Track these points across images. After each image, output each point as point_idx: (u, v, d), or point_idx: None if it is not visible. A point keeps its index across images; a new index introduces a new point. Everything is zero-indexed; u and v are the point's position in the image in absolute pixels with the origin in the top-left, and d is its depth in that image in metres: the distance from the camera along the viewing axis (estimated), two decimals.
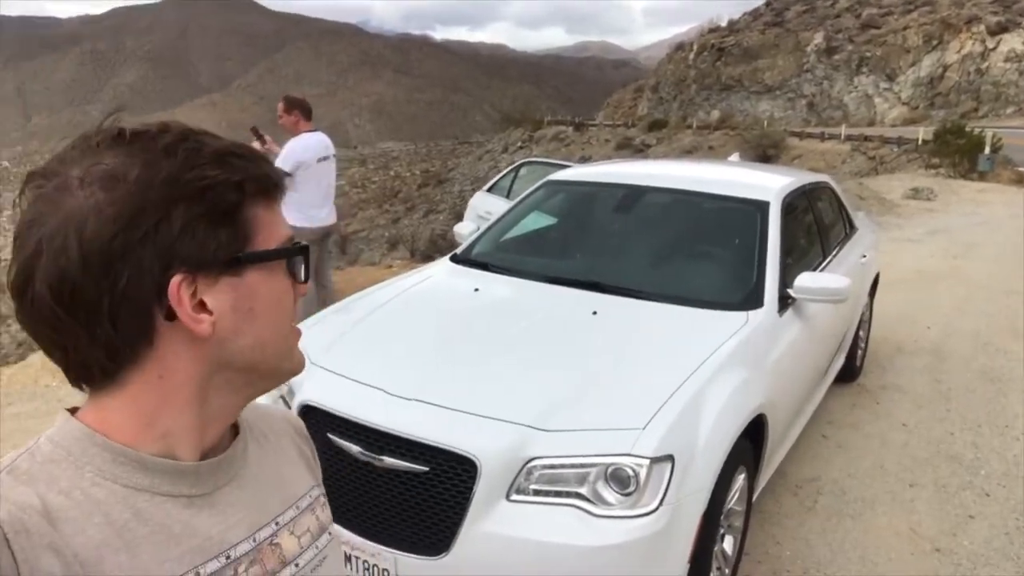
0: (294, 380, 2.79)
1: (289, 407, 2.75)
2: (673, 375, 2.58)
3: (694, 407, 2.48)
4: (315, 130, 5.38)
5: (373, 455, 2.40)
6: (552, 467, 2.31)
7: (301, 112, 5.30)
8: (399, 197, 45.41)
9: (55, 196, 0.63)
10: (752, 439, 2.84)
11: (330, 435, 2.51)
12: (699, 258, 3.72)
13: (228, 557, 0.70)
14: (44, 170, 0.65)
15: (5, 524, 0.58)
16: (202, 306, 0.66)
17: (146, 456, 0.67)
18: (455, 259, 3.79)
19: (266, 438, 0.84)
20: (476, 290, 3.32)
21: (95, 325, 0.63)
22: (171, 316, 0.65)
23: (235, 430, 0.79)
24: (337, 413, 2.51)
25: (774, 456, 3.27)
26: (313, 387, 2.65)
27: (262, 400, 0.90)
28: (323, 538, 0.83)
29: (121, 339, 0.64)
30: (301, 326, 2.94)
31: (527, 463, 2.30)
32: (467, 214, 7.65)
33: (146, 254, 0.63)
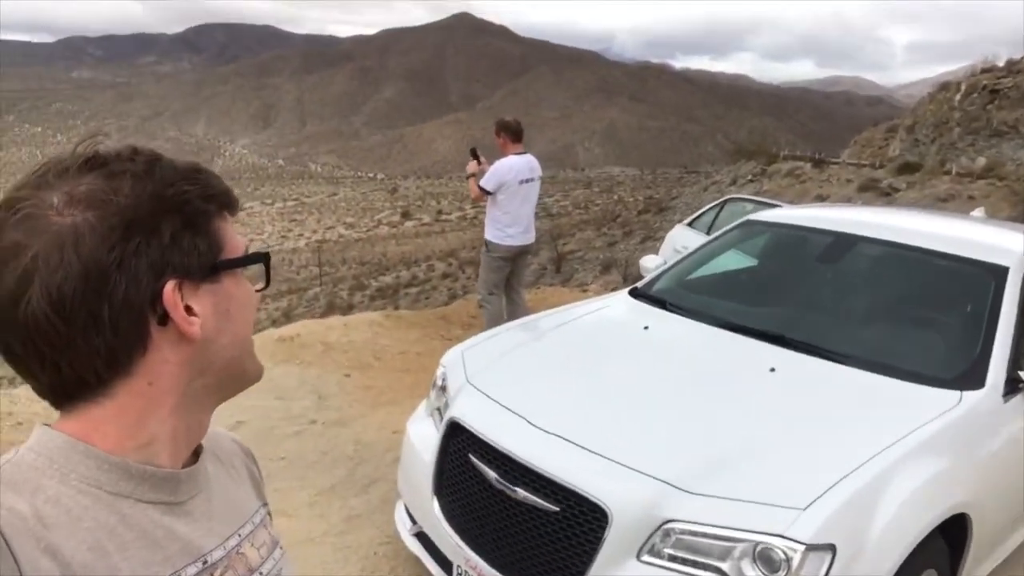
0: (450, 394, 2.83)
1: (441, 419, 2.78)
2: (853, 452, 2.26)
3: (872, 493, 2.15)
4: (523, 152, 5.51)
5: (508, 484, 2.34)
6: (692, 534, 2.11)
7: (508, 134, 5.47)
8: (618, 221, 45.51)
9: (37, 219, 0.65)
10: (951, 542, 2.41)
11: (471, 456, 2.49)
12: (910, 323, 3.25)
13: (205, 562, 0.73)
14: (16, 197, 0.67)
15: (4, 526, 0.60)
16: (189, 310, 0.71)
17: (131, 463, 0.69)
18: (634, 293, 3.65)
19: (218, 458, 0.87)
20: (646, 328, 3.15)
21: (95, 334, 0.66)
22: (163, 321, 0.69)
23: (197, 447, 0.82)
24: (479, 435, 2.49)
25: (981, 566, 2.76)
26: (462, 405, 2.66)
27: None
28: (276, 551, 0.86)
29: (121, 345, 0.68)
30: (464, 344, 2.98)
31: (664, 524, 2.12)
32: (663, 247, 7.42)
33: (141, 264, 0.67)
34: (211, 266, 0.73)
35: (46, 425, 0.70)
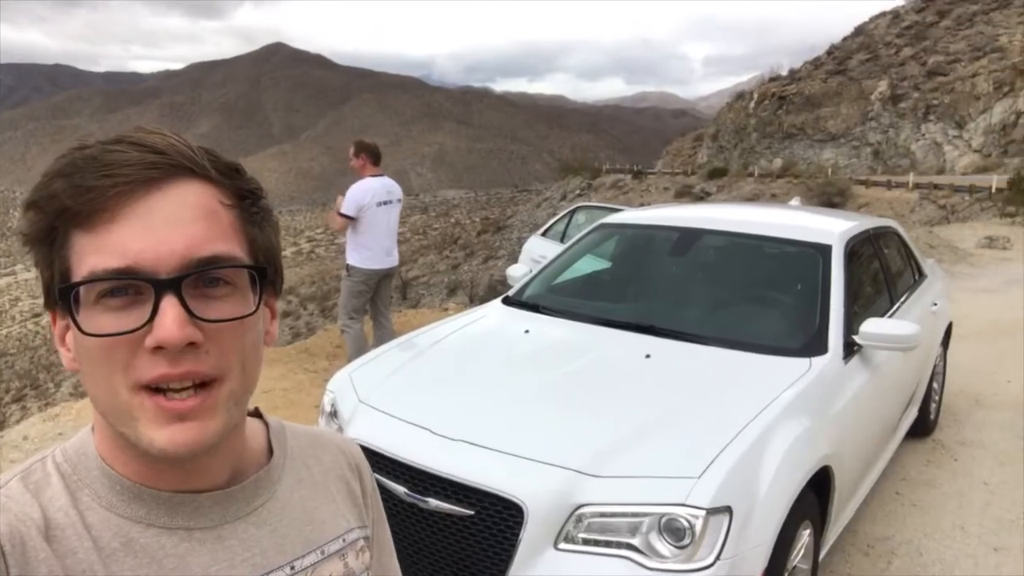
0: (343, 418, 2.77)
1: None
2: (731, 422, 2.46)
3: (754, 456, 2.35)
4: (381, 175, 5.48)
5: (419, 496, 2.34)
6: (603, 515, 2.21)
7: (368, 156, 5.45)
8: (459, 243, 46.04)
9: None
10: (818, 492, 2.68)
11: (377, 475, 2.46)
12: (759, 302, 3.59)
13: None
14: None
15: (3, 538, 0.58)
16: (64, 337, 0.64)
17: (141, 487, 0.65)
18: (507, 301, 3.75)
19: (309, 471, 0.79)
20: (527, 331, 3.26)
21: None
22: None
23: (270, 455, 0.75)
24: (383, 452, 2.47)
25: (843, 512, 3.08)
26: (360, 426, 2.62)
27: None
28: None
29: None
30: (350, 366, 2.93)
31: (576, 510, 2.21)
32: (521, 258, 7.65)
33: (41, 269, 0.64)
34: (53, 293, 0.62)
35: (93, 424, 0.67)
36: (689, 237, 3.92)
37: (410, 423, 2.54)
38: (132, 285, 0.59)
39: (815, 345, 3.09)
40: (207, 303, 0.61)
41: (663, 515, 2.16)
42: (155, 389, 0.59)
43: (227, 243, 0.63)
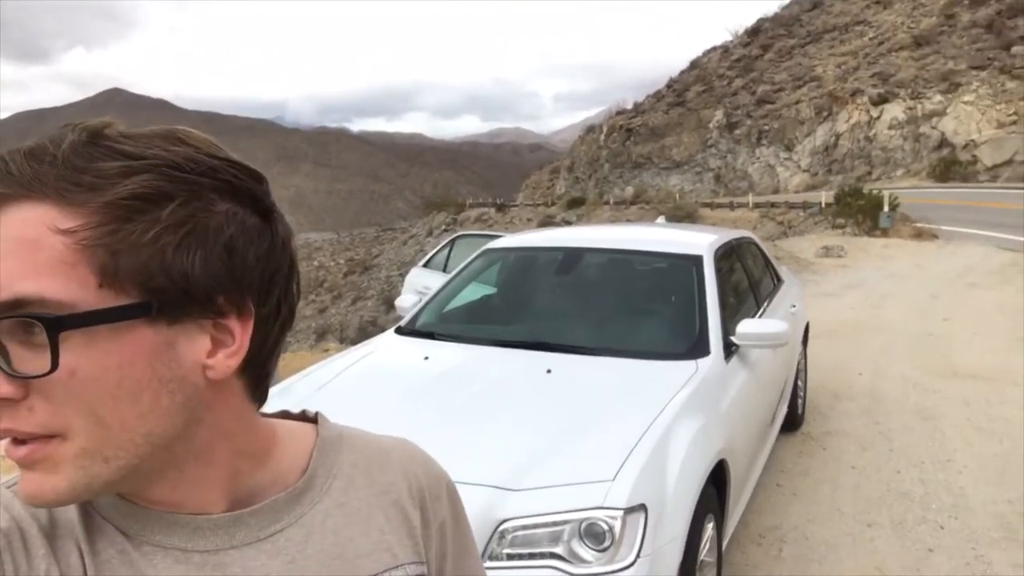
0: None
1: None
2: (635, 424, 2.57)
3: (659, 454, 2.46)
4: None
5: None
6: (525, 527, 2.23)
7: None
8: (324, 286, 44.92)
9: None
10: (716, 485, 2.82)
11: None
12: (644, 312, 3.76)
13: None
14: None
15: (1, 534, 0.55)
16: None
17: (131, 504, 0.60)
18: (400, 331, 3.73)
19: (357, 492, 0.69)
20: (426, 358, 3.25)
21: None
22: None
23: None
24: None
25: (737, 504, 3.26)
26: None
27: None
28: None
29: None
30: None
31: (499, 526, 2.21)
32: (404, 290, 7.60)
33: None
34: None
35: None
36: (572, 256, 4.06)
37: None
38: None
39: (699, 347, 3.27)
40: (31, 352, 0.51)
41: (584, 520, 2.21)
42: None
43: (45, 280, 0.51)
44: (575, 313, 3.72)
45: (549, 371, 3.03)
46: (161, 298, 0.54)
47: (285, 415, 0.72)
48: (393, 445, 0.76)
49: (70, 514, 0.59)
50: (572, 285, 3.96)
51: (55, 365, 0.50)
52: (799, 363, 5.11)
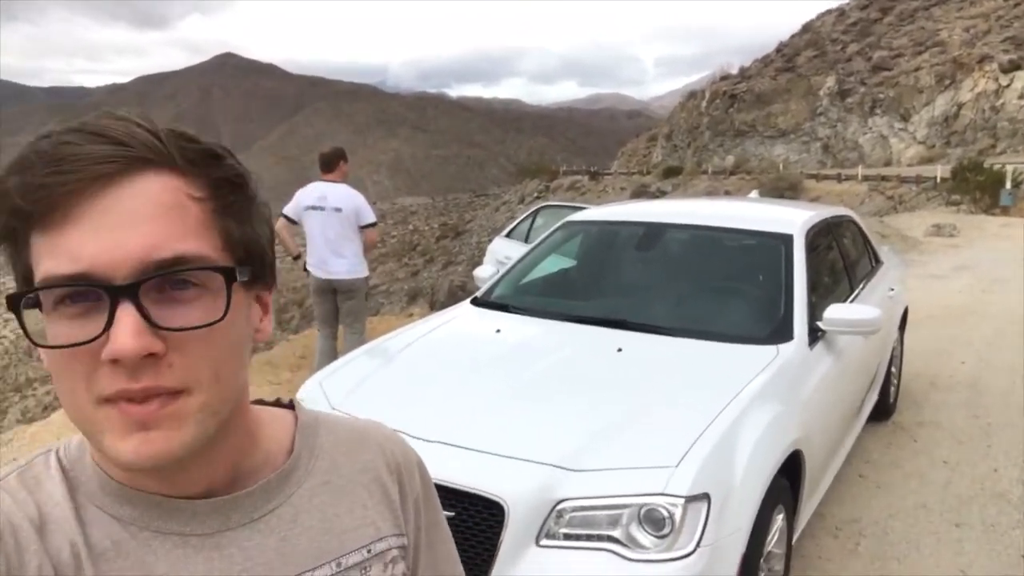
0: None
1: None
2: (705, 410, 2.50)
3: (728, 443, 2.39)
4: (330, 181, 5.35)
5: None
6: (583, 509, 2.22)
7: (319, 163, 5.36)
8: (418, 250, 45.81)
9: None
10: (789, 477, 2.73)
11: None
12: (725, 293, 3.64)
13: None
14: None
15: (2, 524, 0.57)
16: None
17: (130, 490, 0.62)
18: (476, 302, 3.75)
19: (339, 473, 0.72)
20: (498, 331, 3.26)
21: None
22: None
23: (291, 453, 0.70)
24: None
25: (812, 496, 3.14)
26: None
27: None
28: None
29: None
30: (320, 373, 2.89)
31: (556, 505, 2.21)
32: (486, 259, 7.64)
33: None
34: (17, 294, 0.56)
35: None
36: (654, 232, 3.97)
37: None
38: (93, 292, 0.54)
39: (781, 332, 3.15)
40: (172, 309, 0.55)
41: (643, 505, 2.18)
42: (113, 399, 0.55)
43: (195, 241, 0.56)
44: (652, 291, 3.64)
45: (620, 350, 2.98)
46: (253, 263, 0.61)
47: (259, 402, 0.74)
48: (367, 426, 0.80)
49: (62, 508, 0.60)
50: (652, 262, 3.87)
51: (226, 313, 0.57)
52: (894, 349, 4.85)
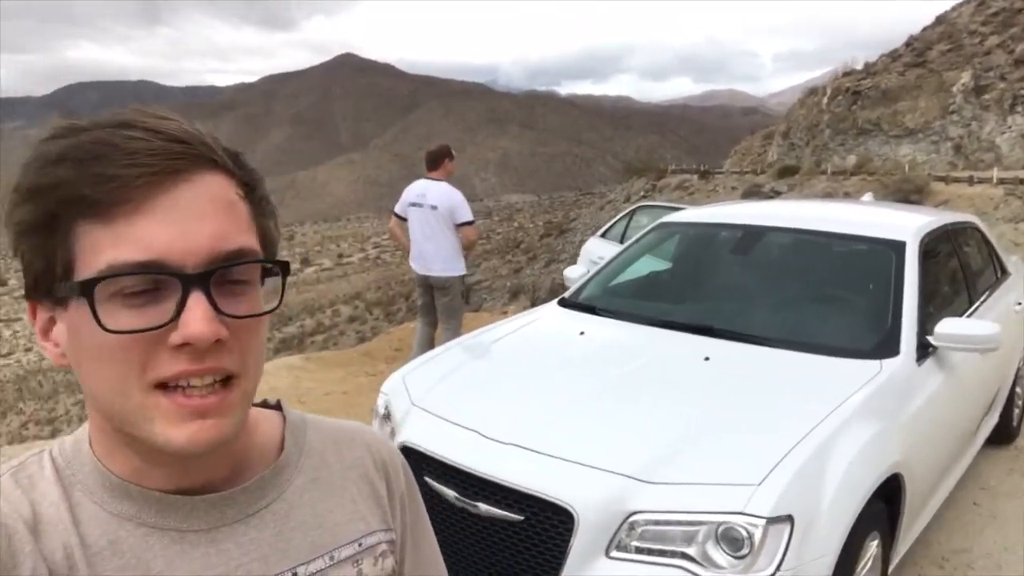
0: (396, 420, 2.77)
1: None
2: (794, 426, 2.36)
3: (818, 462, 2.24)
4: (433, 179, 5.46)
5: (469, 501, 2.31)
6: (656, 523, 2.14)
7: (425, 161, 5.49)
8: (521, 248, 46.06)
9: None
10: (888, 501, 2.54)
11: (427, 478, 2.45)
12: (826, 302, 3.44)
13: None
14: None
15: None
16: (49, 330, 0.61)
17: (130, 485, 0.63)
18: (563, 303, 3.71)
19: (328, 469, 0.74)
20: (582, 333, 3.21)
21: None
22: None
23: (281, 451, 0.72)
24: (434, 456, 2.46)
25: (915, 522, 2.92)
26: (411, 428, 2.62)
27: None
28: None
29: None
30: (404, 368, 2.93)
31: (629, 517, 2.14)
32: (580, 259, 7.56)
33: (23, 261, 0.60)
34: (50, 285, 0.58)
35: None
36: (752, 235, 3.80)
37: (460, 426, 2.52)
38: (159, 280, 0.56)
39: (887, 346, 2.94)
40: (231, 299, 0.59)
41: (720, 524, 2.08)
42: (172, 386, 0.57)
43: (249, 236, 0.61)
44: (747, 298, 3.48)
45: (707, 358, 2.86)
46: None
47: None
48: (352, 426, 0.81)
49: (56, 508, 0.61)
50: (747, 267, 3.70)
51: (280, 303, 0.63)
52: (1020, 368, 4.45)
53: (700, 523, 2.10)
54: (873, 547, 2.44)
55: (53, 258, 0.57)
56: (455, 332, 5.42)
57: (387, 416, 2.89)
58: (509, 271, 39.20)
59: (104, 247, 0.56)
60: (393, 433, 2.77)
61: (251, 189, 0.64)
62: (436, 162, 5.45)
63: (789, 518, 2.07)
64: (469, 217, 5.42)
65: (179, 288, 0.56)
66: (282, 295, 0.64)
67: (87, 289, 0.55)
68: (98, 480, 0.63)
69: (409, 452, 2.55)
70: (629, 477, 2.19)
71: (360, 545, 0.72)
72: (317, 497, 0.71)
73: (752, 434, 2.37)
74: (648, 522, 2.14)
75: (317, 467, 0.73)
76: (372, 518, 0.75)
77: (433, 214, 5.36)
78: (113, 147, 0.55)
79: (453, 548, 2.36)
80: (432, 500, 2.43)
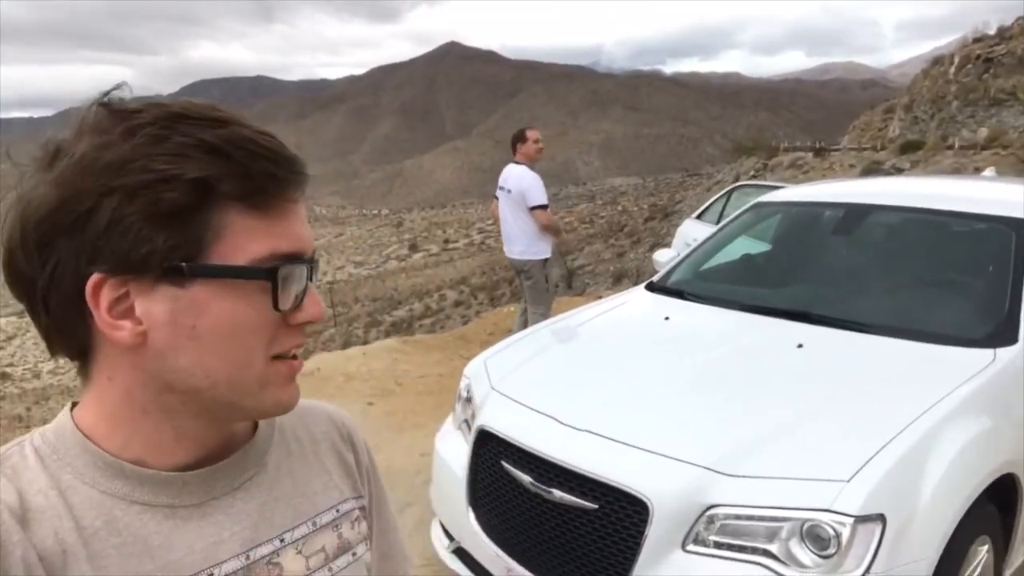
0: (476, 403, 2.78)
1: (469, 431, 2.74)
2: (891, 419, 2.19)
3: (916, 458, 2.08)
4: (515, 162, 5.53)
5: (543, 487, 2.29)
6: (737, 517, 2.05)
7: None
8: (625, 231, 45.53)
9: (30, 169, 0.62)
10: (1001, 504, 2.34)
11: (503, 463, 2.45)
12: (934, 285, 3.18)
13: (211, 575, 0.65)
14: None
15: None
16: (130, 312, 0.61)
17: (125, 464, 0.64)
18: (650, 287, 3.61)
19: (299, 442, 0.79)
20: (666, 319, 3.11)
21: (35, 304, 0.63)
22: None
23: (255, 429, 0.75)
24: (510, 440, 2.45)
25: None
26: (489, 412, 2.62)
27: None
28: (341, 559, 0.75)
29: (56, 326, 0.63)
30: (487, 351, 2.93)
31: (707, 510, 2.06)
32: (675, 242, 7.34)
33: (72, 243, 0.59)
34: (171, 267, 0.60)
35: (73, 403, 0.68)
36: (855, 214, 3.56)
37: (537, 411, 2.49)
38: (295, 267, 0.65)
39: (1003, 334, 2.69)
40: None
41: (805, 521, 1.97)
42: (284, 356, 0.66)
43: None
44: (844, 281, 3.27)
45: (800, 345, 2.71)
46: None
47: None
48: (314, 403, 0.85)
49: (45, 495, 0.61)
50: (848, 248, 3.47)
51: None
52: None
53: (784, 519, 1.99)
54: (982, 553, 2.25)
55: (183, 237, 0.60)
56: (541, 317, 5.42)
57: (468, 399, 2.90)
58: (612, 255, 38.85)
59: (260, 236, 0.62)
60: (473, 416, 2.78)
61: None
62: (513, 146, 5.56)
63: (881, 517, 1.94)
64: (539, 201, 5.38)
65: (305, 278, 0.66)
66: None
67: (271, 273, 0.63)
68: (89, 460, 0.64)
69: (487, 436, 2.55)
70: (708, 468, 2.10)
71: (338, 511, 0.77)
72: (294, 468, 0.76)
73: (843, 426, 2.23)
74: (728, 516, 2.05)
75: (289, 441, 0.77)
76: (345, 486, 0.80)
77: (510, 197, 5.45)
78: (283, 157, 0.64)
79: (527, 533, 2.34)
80: (507, 484, 2.43)
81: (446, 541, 2.83)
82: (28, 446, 0.65)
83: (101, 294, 0.60)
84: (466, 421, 2.89)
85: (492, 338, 6.46)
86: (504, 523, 2.45)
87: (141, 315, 0.61)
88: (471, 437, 2.66)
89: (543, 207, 5.39)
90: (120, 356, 0.63)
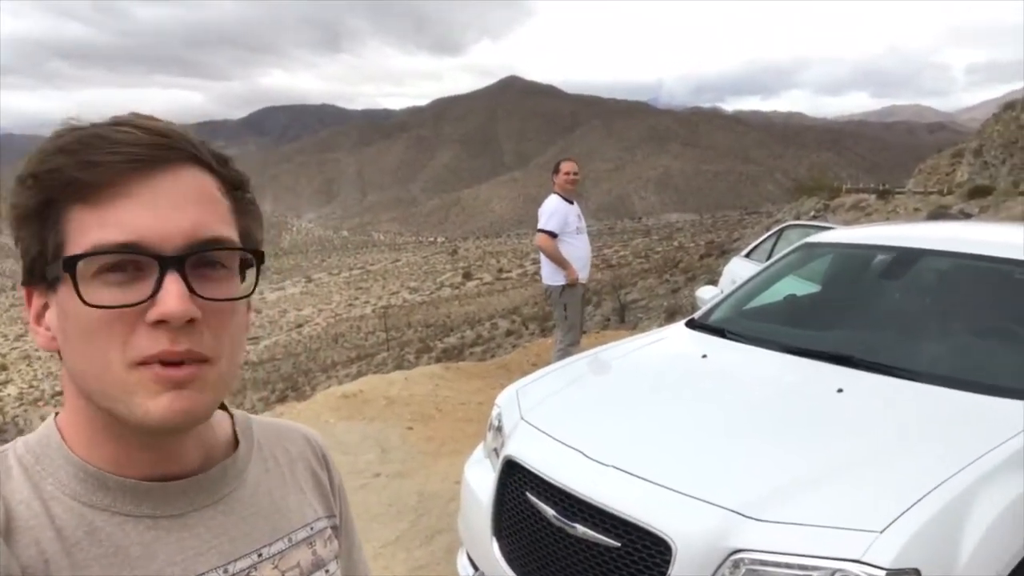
0: (506, 433, 2.77)
1: (498, 460, 2.73)
2: (932, 470, 2.11)
3: (957, 512, 1.99)
4: (554, 192, 5.76)
5: (566, 521, 2.26)
6: (763, 563, 1.99)
7: None
8: (680, 267, 44.98)
9: None
10: None
11: (528, 494, 2.43)
12: (986, 334, 3.06)
13: None
14: None
15: None
16: (41, 317, 0.65)
17: (107, 475, 0.65)
18: (691, 324, 3.56)
19: (276, 460, 0.80)
20: (704, 356, 3.06)
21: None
22: None
23: (236, 445, 0.76)
24: (535, 471, 2.43)
25: None
26: (517, 442, 2.61)
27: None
28: (317, 575, 0.76)
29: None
30: (520, 381, 2.93)
31: (731, 554, 2.01)
32: (722, 280, 7.23)
33: (22, 251, 0.64)
34: (41, 271, 0.63)
35: (56, 413, 0.69)
36: (905, 258, 3.46)
37: (564, 444, 2.47)
38: (133, 261, 0.60)
39: None
40: (205, 283, 0.62)
41: (835, 571, 1.90)
42: (151, 364, 0.60)
43: (228, 228, 0.65)
44: (890, 326, 3.17)
45: (840, 390, 2.63)
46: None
47: None
48: (290, 423, 0.87)
49: (28, 505, 0.62)
50: (897, 293, 3.38)
51: (253, 290, 0.67)
52: None
53: (813, 568, 1.93)
54: None
55: (46, 242, 0.62)
56: (566, 346, 5.49)
57: (499, 428, 2.90)
58: (667, 290, 38.37)
59: (90, 228, 0.59)
60: (502, 445, 2.77)
61: (235, 188, 0.68)
62: (553, 177, 5.76)
63: (915, 572, 1.86)
64: (543, 225, 5.58)
65: (157, 269, 0.59)
66: (255, 283, 0.67)
67: (70, 265, 0.59)
68: (71, 472, 0.64)
69: (513, 466, 2.54)
70: (734, 511, 2.05)
71: (312, 529, 0.78)
72: (272, 486, 0.77)
73: (880, 475, 2.15)
74: (754, 562, 1.99)
75: (267, 459, 0.79)
76: (319, 505, 0.81)
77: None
78: (102, 138, 0.60)
79: (550, 568, 2.32)
80: (531, 516, 2.41)
81: (471, 570, 2.81)
82: (11, 455, 0.66)
83: (32, 303, 0.65)
84: (495, 450, 2.88)
85: (534, 368, 6.44)
86: (527, 555, 2.42)
87: (47, 320, 0.64)
88: (498, 466, 2.65)
89: (546, 232, 5.56)
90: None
